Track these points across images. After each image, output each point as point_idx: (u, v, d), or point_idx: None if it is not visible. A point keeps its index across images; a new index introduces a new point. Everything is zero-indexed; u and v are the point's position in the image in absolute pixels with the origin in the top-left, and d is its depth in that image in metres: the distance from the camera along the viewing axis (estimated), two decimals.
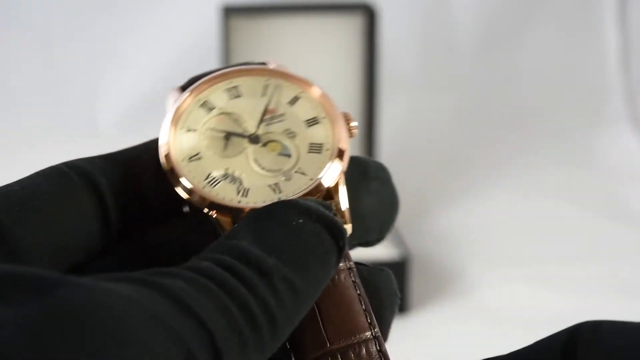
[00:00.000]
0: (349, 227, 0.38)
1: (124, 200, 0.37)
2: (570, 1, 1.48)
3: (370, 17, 1.15)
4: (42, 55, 1.44)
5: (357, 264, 0.38)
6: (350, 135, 0.40)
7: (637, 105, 1.46)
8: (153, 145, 0.38)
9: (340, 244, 0.34)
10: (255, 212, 0.35)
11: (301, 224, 0.33)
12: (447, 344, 0.96)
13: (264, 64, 0.42)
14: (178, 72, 1.43)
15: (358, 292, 0.36)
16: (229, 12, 1.13)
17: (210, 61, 1.28)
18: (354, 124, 0.40)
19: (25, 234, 0.33)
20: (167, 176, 0.38)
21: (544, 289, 1.05)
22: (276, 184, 0.37)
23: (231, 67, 0.42)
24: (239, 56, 1.13)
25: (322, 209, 0.34)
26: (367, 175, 0.40)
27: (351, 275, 0.37)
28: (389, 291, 0.39)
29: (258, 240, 0.32)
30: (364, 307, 0.36)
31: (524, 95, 1.47)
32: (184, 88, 0.41)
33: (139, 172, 0.37)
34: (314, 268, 0.33)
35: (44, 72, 1.44)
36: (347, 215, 0.38)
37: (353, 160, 0.40)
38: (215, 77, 0.41)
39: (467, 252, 1.14)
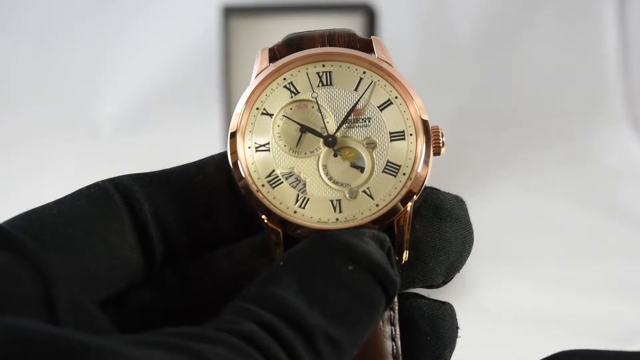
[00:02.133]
0: (405, 255, 0.35)
1: (169, 227, 0.35)
2: (570, 1, 1.48)
3: (370, 17, 1.15)
4: (41, 56, 1.44)
5: (419, 296, 0.36)
6: (436, 152, 0.36)
7: (636, 105, 1.46)
8: (204, 166, 0.36)
9: (390, 293, 0.32)
10: (301, 251, 0.32)
11: (350, 271, 0.31)
12: None
13: (369, 41, 0.38)
14: (178, 72, 1.45)
15: (393, 334, 0.35)
16: (229, 12, 1.13)
17: (210, 61, 1.28)
18: (442, 139, 0.36)
19: (57, 262, 0.31)
20: (231, 166, 0.35)
21: (543, 288, 1.04)
22: (338, 201, 0.34)
23: (328, 47, 0.37)
24: (239, 56, 1.13)
25: (374, 252, 0.32)
26: (439, 214, 0.37)
27: (391, 316, 0.35)
28: (450, 328, 0.37)
29: (302, 290, 0.30)
30: (394, 353, 0.35)
31: (523, 95, 1.47)
32: (274, 51, 0.37)
33: (189, 196, 0.35)
34: (360, 321, 0.31)
35: (44, 72, 1.44)
36: (407, 244, 0.35)
37: (427, 192, 0.36)
38: (310, 56, 0.37)
39: None
